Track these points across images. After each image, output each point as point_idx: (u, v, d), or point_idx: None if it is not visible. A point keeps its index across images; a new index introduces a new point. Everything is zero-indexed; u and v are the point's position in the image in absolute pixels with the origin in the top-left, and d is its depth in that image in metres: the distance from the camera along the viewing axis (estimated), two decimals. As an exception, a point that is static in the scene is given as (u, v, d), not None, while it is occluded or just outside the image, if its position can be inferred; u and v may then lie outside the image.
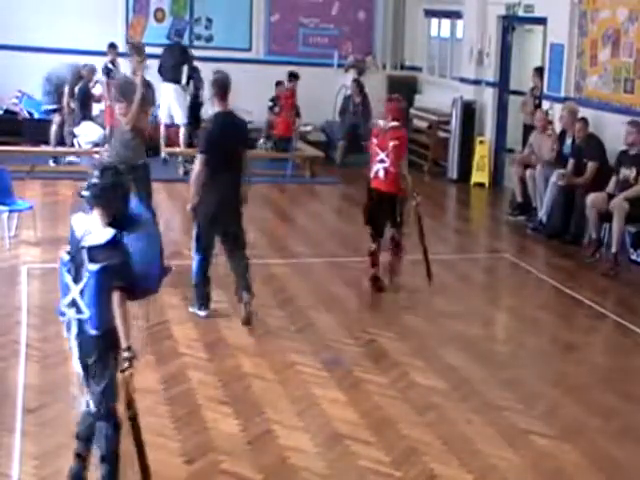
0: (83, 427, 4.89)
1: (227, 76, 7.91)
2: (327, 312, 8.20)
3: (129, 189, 4.85)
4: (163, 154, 14.96)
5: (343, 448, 5.73)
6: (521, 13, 13.70)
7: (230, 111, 7.88)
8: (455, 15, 15.94)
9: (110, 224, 4.63)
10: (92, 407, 4.76)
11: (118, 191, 4.68)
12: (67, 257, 4.71)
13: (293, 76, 15.12)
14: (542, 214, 11.42)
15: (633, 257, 10.27)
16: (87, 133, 14.17)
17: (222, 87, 7.79)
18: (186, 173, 13.90)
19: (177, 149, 14.52)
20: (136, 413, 4.72)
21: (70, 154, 13.96)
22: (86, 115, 14.33)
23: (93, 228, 4.62)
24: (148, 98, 8.79)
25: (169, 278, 8.92)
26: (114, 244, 4.60)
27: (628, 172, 10.12)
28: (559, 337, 8.06)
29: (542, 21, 13.07)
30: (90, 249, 4.57)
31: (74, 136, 14.09)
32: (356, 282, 9.16)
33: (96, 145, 14.07)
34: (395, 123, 8.67)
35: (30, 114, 14.75)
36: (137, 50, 8.82)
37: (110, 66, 14.62)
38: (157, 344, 7.23)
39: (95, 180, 4.63)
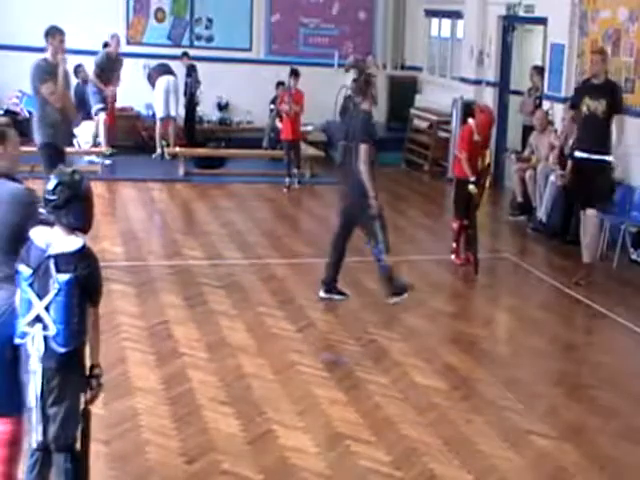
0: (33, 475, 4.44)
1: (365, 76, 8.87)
2: (327, 312, 8.20)
3: (89, 197, 4.38)
4: (159, 150, 15.01)
5: (343, 448, 5.74)
6: (521, 13, 13.70)
7: (358, 107, 8.53)
8: (455, 15, 15.94)
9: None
10: (50, 436, 4.35)
11: (75, 204, 4.27)
12: (29, 271, 4.26)
13: (295, 73, 14.04)
14: (542, 214, 11.42)
15: (633, 257, 10.27)
16: (87, 133, 14.20)
17: (358, 83, 8.64)
18: (187, 174, 13.97)
19: (177, 149, 14.53)
20: (87, 448, 4.47)
21: (70, 154, 13.97)
22: (86, 115, 14.38)
23: (57, 237, 4.29)
24: (68, 80, 9.05)
25: (169, 278, 8.98)
26: (84, 253, 4.29)
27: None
28: (559, 337, 8.06)
29: (542, 21, 13.07)
30: (57, 258, 4.23)
31: (74, 136, 14.11)
32: (356, 282, 9.17)
33: (96, 145, 14.14)
34: (469, 120, 10.01)
35: (30, 114, 14.74)
36: (59, 32, 8.98)
37: None
38: (157, 344, 7.23)
39: (49, 197, 4.25)
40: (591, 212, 9.21)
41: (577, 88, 9.82)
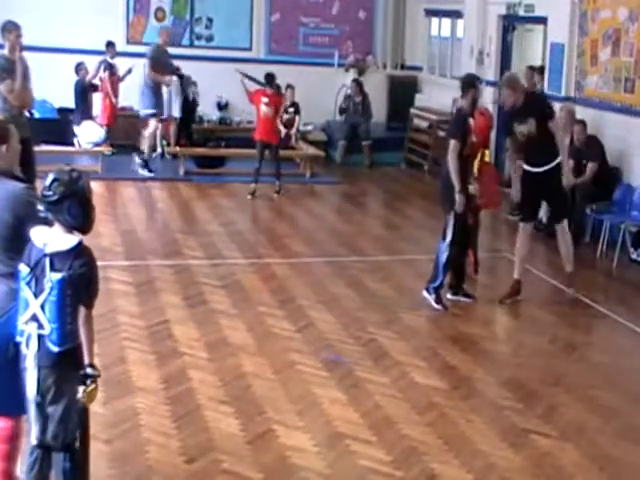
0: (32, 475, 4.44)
1: (467, 75, 9.15)
2: (327, 312, 8.20)
3: (85, 195, 4.31)
4: (159, 149, 15.02)
5: (343, 448, 5.74)
6: (521, 13, 13.71)
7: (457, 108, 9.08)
8: (455, 14, 15.95)
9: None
10: (49, 434, 4.36)
11: (71, 201, 4.23)
12: (27, 270, 4.28)
13: (269, 79, 13.10)
14: (542, 214, 11.41)
15: (633, 257, 10.27)
16: (88, 133, 14.20)
17: (462, 83, 8.73)
18: (187, 174, 13.96)
19: (177, 149, 14.53)
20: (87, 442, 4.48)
21: (70, 154, 13.96)
22: (86, 114, 14.38)
23: (55, 236, 4.29)
24: (28, 75, 9.08)
25: (169, 277, 8.98)
26: (79, 251, 4.26)
27: None
28: (559, 337, 8.06)
29: (542, 21, 13.09)
30: (52, 257, 4.23)
31: (74, 136, 14.12)
32: (356, 282, 9.17)
33: (97, 145, 14.13)
34: (469, 120, 10.01)
35: (30, 113, 14.74)
36: (15, 27, 9.16)
37: (111, 62, 14.71)
38: (157, 344, 7.23)
39: (45, 193, 4.24)
40: (560, 226, 8.90)
41: (506, 118, 9.28)
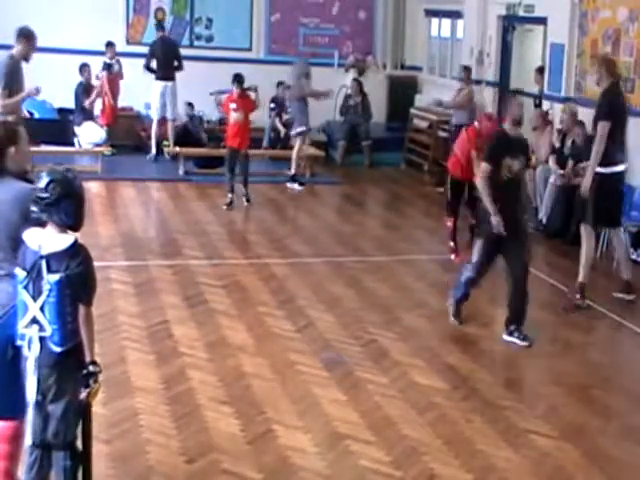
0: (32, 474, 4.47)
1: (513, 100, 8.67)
2: (327, 312, 8.20)
3: (81, 194, 4.35)
4: (154, 150, 15.01)
5: (343, 448, 5.74)
6: (521, 13, 13.71)
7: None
8: (455, 15, 15.96)
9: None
10: (49, 433, 4.39)
11: (68, 201, 4.25)
12: (23, 274, 4.28)
13: (238, 79, 12.36)
14: (542, 214, 11.42)
15: (633, 257, 10.26)
16: (89, 133, 14.20)
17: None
18: (187, 174, 13.96)
19: (177, 149, 14.52)
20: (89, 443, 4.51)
21: (70, 154, 13.96)
22: (87, 115, 14.38)
23: (49, 237, 4.29)
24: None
25: (169, 278, 8.98)
26: (75, 250, 4.27)
27: None
28: (559, 337, 8.06)
29: (542, 21, 13.09)
30: (49, 258, 4.23)
31: (75, 136, 14.12)
32: (356, 282, 9.17)
33: (98, 145, 14.12)
34: (475, 123, 10.26)
35: (30, 114, 14.75)
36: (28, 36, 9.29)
37: (111, 62, 14.70)
38: (157, 344, 7.24)
39: (42, 194, 4.23)
40: (615, 231, 9.02)
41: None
